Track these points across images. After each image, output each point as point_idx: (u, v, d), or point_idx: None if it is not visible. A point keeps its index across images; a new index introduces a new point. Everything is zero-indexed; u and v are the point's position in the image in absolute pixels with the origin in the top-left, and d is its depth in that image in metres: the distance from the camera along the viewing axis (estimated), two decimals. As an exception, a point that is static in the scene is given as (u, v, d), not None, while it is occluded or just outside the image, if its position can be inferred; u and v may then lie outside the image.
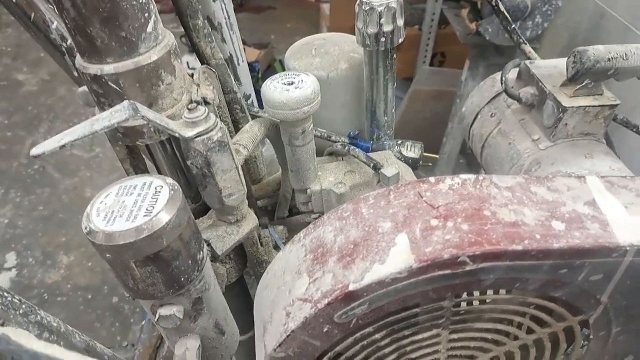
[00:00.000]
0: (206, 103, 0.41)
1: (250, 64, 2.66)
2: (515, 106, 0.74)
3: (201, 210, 0.49)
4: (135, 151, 0.46)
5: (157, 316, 0.39)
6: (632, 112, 0.85)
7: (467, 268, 0.30)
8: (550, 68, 0.67)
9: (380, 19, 0.46)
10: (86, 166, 2.26)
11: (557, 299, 0.35)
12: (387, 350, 0.37)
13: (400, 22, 0.47)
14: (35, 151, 0.34)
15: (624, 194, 0.35)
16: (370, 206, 0.34)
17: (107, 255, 0.34)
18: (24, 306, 0.35)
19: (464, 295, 0.34)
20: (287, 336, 0.32)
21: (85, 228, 0.35)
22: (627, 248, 0.31)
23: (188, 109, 0.37)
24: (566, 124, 0.62)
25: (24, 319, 0.34)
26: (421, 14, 2.07)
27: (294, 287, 0.34)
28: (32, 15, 0.50)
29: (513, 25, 0.70)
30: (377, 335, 0.35)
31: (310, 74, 0.46)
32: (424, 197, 0.33)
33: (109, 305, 1.65)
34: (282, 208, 0.61)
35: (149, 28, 0.37)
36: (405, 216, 0.32)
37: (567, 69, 0.55)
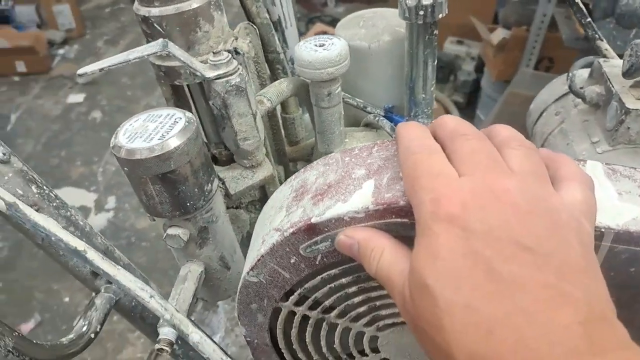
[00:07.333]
0: (237, 53, 0.45)
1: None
2: (582, 106, 0.70)
3: (231, 157, 0.53)
4: (179, 93, 0.51)
5: (165, 234, 0.44)
6: None
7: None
8: (625, 67, 0.62)
9: (419, -9, 0.47)
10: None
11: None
12: (356, 299, 0.38)
13: (441, -4, 0.47)
14: (80, 71, 0.40)
15: (624, 182, 0.33)
16: (354, 156, 0.36)
17: (125, 169, 0.40)
18: (57, 201, 0.42)
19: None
20: (258, 260, 0.35)
21: (111, 143, 0.41)
22: (603, 230, 0.30)
23: (213, 52, 0.42)
24: (629, 128, 0.58)
25: (55, 211, 0.41)
26: (531, 15, 1.96)
27: (273, 220, 0.37)
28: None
29: (588, 19, 0.66)
30: (343, 280, 0.37)
31: (342, 39, 0.48)
32: (403, 152, 0.34)
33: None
34: (317, 172, 0.64)
35: (192, -20, 0.42)
36: (379, 166, 0.34)
37: (622, 64, 0.51)
